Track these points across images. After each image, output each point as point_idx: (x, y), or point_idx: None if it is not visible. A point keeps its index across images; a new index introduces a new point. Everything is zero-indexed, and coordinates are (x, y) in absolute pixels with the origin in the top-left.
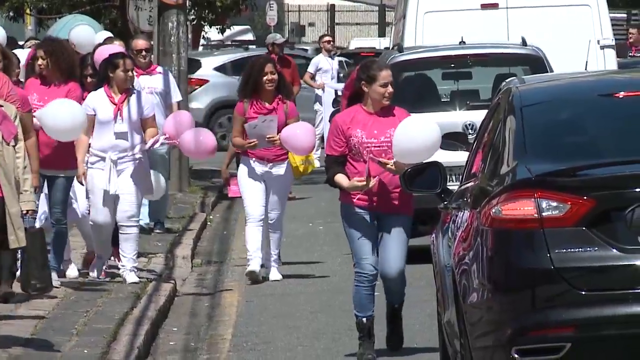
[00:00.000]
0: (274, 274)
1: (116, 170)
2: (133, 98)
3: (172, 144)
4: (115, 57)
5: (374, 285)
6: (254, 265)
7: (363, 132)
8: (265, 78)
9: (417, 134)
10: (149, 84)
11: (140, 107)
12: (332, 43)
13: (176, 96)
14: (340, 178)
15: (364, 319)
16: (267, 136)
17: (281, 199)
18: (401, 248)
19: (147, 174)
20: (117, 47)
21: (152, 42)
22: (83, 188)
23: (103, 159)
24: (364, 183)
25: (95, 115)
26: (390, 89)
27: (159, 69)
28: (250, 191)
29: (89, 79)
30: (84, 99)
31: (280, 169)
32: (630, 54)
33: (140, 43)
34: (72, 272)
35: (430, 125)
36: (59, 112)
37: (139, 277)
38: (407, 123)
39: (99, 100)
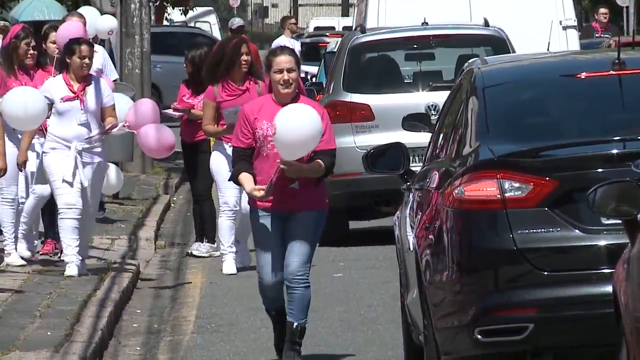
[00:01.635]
0: (230, 267)
1: (82, 162)
2: (92, 86)
3: (130, 131)
4: (72, 42)
5: (280, 287)
6: (230, 264)
7: (269, 124)
8: (242, 58)
9: (295, 127)
10: None
11: (100, 96)
12: (296, 24)
13: (113, 75)
14: (244, 179)
15: (274, 312)
16: None
17: None
18: (306, 246)
19: (105, 165)
20: (77, 24)
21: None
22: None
23: (68, 147)
24: (262, 194)
25: (52, 103)
26: (286, 76)
27: (97, 47)
28: (225, 178)
29: (32, 50)
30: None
31: None
32: (596, 35)
33: None
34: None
35: (305, 114)
36: (17, 101)
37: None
38: (282, 117)
39: (57, 88)
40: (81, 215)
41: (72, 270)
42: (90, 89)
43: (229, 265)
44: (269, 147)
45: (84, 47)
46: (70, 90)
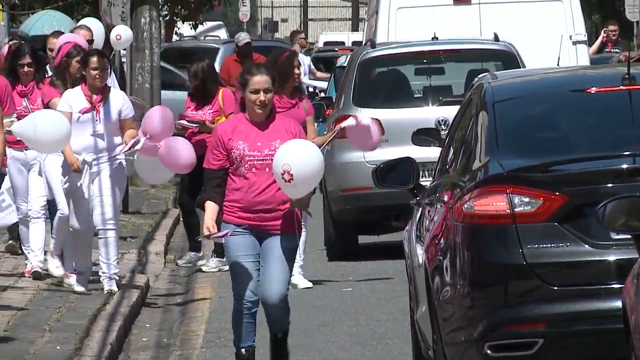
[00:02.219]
0: (302, 281)
1: (89, 173)
2: (109, 98)
3: (153, 147)
4: (86, 55)
5: (255, 312)
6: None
7: (245, 144)
8: (295, 72)
9: (309, 166)
10: None
11: (118, 108)
12: (306, 39)
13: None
14: (208, 208)
15: (243, 350)
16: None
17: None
18: (284, 272)
19: (124, 176)
20: (77, 37)
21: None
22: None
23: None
24: (211, 232)
25: (71, 112)
26: (262, 96)
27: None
28: None
29: (26, 68)
30: (19, 93)
31: None
32: (606, 50)
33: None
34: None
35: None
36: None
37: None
38: (295, 163)
39: (76, 99)
40: (86, 227)
41: (111, 285)
42: (108, 101)
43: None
44: (246, 167)
45: (93, 59)
46: (88, 101)
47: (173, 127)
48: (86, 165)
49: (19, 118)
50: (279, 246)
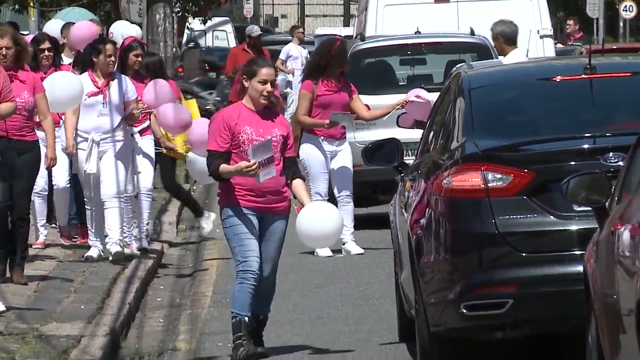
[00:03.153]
0: (354, 248)
1: (98, 151)
2: (115, 82)
3: (149, 111)
4: (98, 42)
5: (256, 284)
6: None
7: (252, 129)
8: (346, 59)
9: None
10: None
11: (122, 91)
12: (303, 33)
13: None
14: (227, 167)
15: (246, 318)
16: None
17: (349, 173)
18: (279, 251)
19: (129, 155)
20: (88, 24)
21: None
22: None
23: (86, 139)
24: (252, 169)
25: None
26: (269, 87)
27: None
28: (319, 170)
29: (46, 53)
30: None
31: (345, 146)
32: (569, 43)
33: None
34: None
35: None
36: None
37: (123, 249)
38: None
39: (84, 84)
40: (102, 198)
41: (114, 247)
42: (114, 85)
43: (352, 246)
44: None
45: (108, 47)
46: (95, 85)
47: (169, 96)
48: (93, 143)
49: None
50: (280, 228)
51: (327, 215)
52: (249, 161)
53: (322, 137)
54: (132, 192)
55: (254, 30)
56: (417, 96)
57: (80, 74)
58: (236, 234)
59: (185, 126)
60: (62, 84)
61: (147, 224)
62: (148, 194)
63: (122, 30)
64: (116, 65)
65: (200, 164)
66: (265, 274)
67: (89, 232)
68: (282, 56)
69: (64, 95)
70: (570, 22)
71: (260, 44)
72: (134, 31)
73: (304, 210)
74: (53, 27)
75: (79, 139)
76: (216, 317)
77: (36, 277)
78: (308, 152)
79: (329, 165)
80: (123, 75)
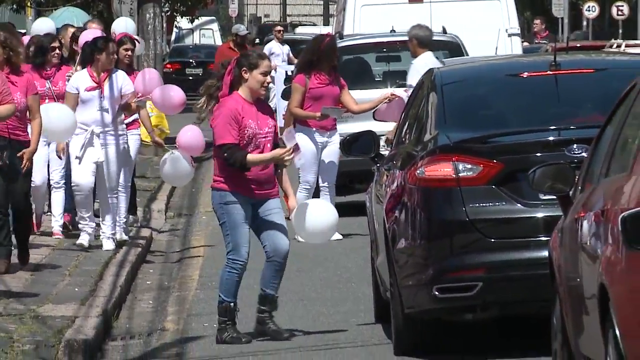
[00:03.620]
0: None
1: (100, 143)
2: (114, 77)
3: (145, 99)
4: (101, 41)
5: (242, 272)
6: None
7: (255, 123)
8: (336, 54)
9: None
10: None
11: (119, 86)
12: (283, 32)
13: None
14: (255, 156)
15: (232, 304)
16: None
17: (336, 165)
18: (285, 225)
19: (127, 149)
20: (98, 30)
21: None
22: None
23: (85, 130)
24: (290, 155)
25: (78, 93)
26: (269, 79)
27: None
28: (311, 160)
29: (57, 51)
30: (43, 76)
31: (336, 138)
32: (535, 41)
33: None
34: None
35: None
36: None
37: (115, 243)
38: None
39: (82, 80)
40: (100, 190)
41: (82, 239)
42: (111, 80)
43: None
44: (255, 144)
45: (111, 45)
46: (93, 81)
47: (157, 82)
48: (94, 136)
49: (42, 98)
50: (276, 204)
51: (326, 211)
52: (262, 152)
53: (315, 129)
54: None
55: (240, 29)
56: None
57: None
58: (232, 220)
59: (181, 104)
60: (57, 115)
61: (126, 217)
62: (126, 189)
63: (125, 26)
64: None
65: (181, 167)
66: (284, 246)
67: (79, 216)
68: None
69: (59, 126)
70: (537, 21)
71: (245, 42)
72: (132, 28)
73: (304, 208)
74: (41, 26)
75: (78, 131)
76: (202, 299)
77: (33, 260)
78: (301, 143)
79: (318, 156)
80: (120, 71)
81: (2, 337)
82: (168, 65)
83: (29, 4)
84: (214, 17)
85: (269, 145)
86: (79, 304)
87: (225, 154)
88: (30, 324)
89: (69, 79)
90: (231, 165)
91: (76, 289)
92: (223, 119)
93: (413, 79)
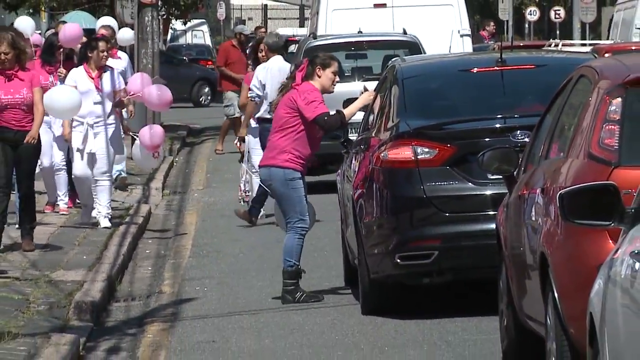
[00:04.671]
0: None
1: (93, 133)
2: (107, 74)
3: (136, 97)
4: (94, 40)
5: None
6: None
7: None
8: (261, 55)
9: None
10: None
11: (113, 81)
12: (265, 32)
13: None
14: (347, 109)
15: (299, 266)
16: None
17: None
18: None
19: (119, 137)
20: (74, 26)
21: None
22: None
23: (82, 123)
24: (371, 95)
25: (76, 87)
26: (338, 78)
27: (120, 54)
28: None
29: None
30: (47, 71)
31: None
32: (485, 41)
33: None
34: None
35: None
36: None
37: (111, 221)
38: None
39: (79, 76)
40: (95, 175)
41: (104, 222)
42: (105, 76)
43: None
44: (317, 128)
45: (101, 44)
46: (89, 76)
47: (149, 83)
48: (88, 127)
49: (45, 90)
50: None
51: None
52: (312, 138)
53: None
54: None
55: (244, 29)
56: None
57: (77, 67)
58: (299, 195)
59: (169, 104)
60: (61, 96)
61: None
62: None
63: (123, 35)
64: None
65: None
66: (312, 220)
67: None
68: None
69: (64, 105)
70: (492, 23)
71: (246, 41)
72: (130, 35)
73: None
74: (23, 23)
75: (75, 122)
76: (194, 266)
77: (47, 231)
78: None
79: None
80: (114, 69)
81: (20, 299)
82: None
83: (43, 9)
84: (204, 20)
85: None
86: (87, 270)
87: (326, 118)
88: (44, 288)
89: (60, 76)
90: (331, 126)
91: (84, 257)
92: (316, 95)
93: (264, 77)
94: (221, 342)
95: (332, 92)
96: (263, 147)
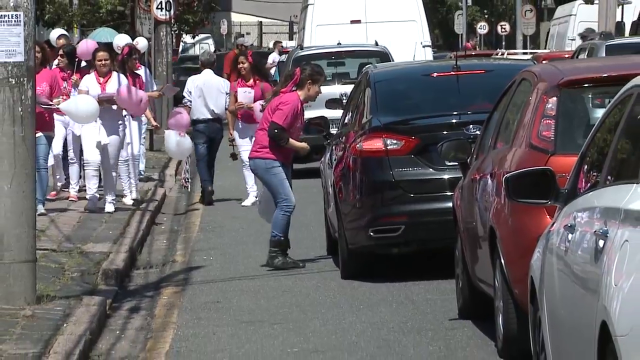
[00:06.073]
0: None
1: (103, 129)
2: (111, 80)
3: (109, 96)
4: (95, 52)
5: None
6: (252, 199)
7: (301, 118)
8: (239, 66)
9: None
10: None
11: (117, 86)
12: (281, 45)
13: (153, 86)
14: (293, 141)
15: (282, 238)
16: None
17: None
18: None
19: (123, 134)
20: (91, 43)
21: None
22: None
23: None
24: (306, 150)
25: (88, 91)
26: (321, 91)
27: (142, 68)
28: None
29: (103, 61)
30: (62, 77)
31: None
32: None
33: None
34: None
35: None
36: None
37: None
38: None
39: (90, 81)
40: (105, 165)
41: (109, 207)
42: (110, 82)
43: (252, 199)
44: (297, 132)
45: (100, 54)
46: (98, 82)
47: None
48: (99, 123)
49: (57, 95)
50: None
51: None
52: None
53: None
54: (126, 157)
55: (245, 41)
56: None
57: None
58: (280, 179)
59: (142, 102)
60: (84, 104)
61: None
62: (132, 159)
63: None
64: (109, 66)
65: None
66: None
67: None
68: (269, 60)
69: (86, 112)
70: (475, 38)
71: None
72: (144, 43)
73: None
74: (52, 36)
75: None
76: (202, 239)
77: (79, 212)
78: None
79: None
80: (120, 75)
81: (57, 267)
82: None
83: (75, 25)
84: (209, 34)
85: (298, 132)
86: (112, 243)
87: (276, 130)
88: (77, 258)
89: (73, 81)
90: (274, 137)
91: (110, 232)
92: (290, 108)
93: (194, 86)
94: (224, 302)
95: (314, 101)
96: (208, 144)
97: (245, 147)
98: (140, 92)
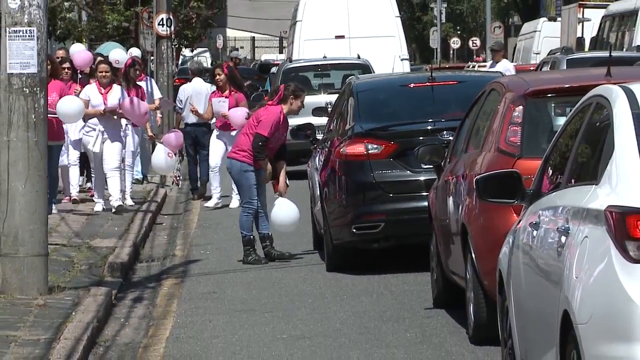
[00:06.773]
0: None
1: (103, 137)
2: (115, 90)
3: (113, 107)
4: (97, 63)
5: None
6: (215, 200)
7: (283, 131)
8: (216, 78)
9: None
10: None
11: (118, 97)
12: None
13: (157, 94)
14: (266, 162)
15: (251, 236)
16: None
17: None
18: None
19: (122, 141)
20: (85, 53)
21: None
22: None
23: (94, 129)
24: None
25: (89, 100)
26: (303, 106)
27: (146, 79)
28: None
29: (104, 73)
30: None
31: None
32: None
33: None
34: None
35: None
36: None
37: (124, 203)
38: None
39: (92, 91)
40: (97, 166)
41: (97, 207)
42: (111, 92)
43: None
44: (277, 141)
45: (101, 66)
46: (99, 92)
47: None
48: (99, 132)
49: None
50: (264, 174)
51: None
52: (274, 148)
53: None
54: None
55: (238, 54)
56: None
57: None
58: (250, 184)
59: (143, 113)
60: (68, 104)
61: (131, 187)
62: (130, 167)
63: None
64: (109, 78)
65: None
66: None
67: (94, 193)
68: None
69: (71, 110)
70: (481, 57)
71: (239, 63)
72: (138, 51)
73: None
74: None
75: (88, 128)
76: (200, 235)
77: (88, 212)
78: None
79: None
80: (119, 87)
81: (67, 260)
82: (177, 80)
83: (84, 40)
84: (206, 48)
85: (278, 141)
86: (118, 238)
87: (260, 143)
88: (85, 252)
89: (76, 92)
90: (255, 149)
91: (115, 229)
92: (274, 119)
93: (184, 95)
94: (220, 293)
95: (297, 114)
96: (195, 145)
97: (216, 152)
98: (143, 103)
